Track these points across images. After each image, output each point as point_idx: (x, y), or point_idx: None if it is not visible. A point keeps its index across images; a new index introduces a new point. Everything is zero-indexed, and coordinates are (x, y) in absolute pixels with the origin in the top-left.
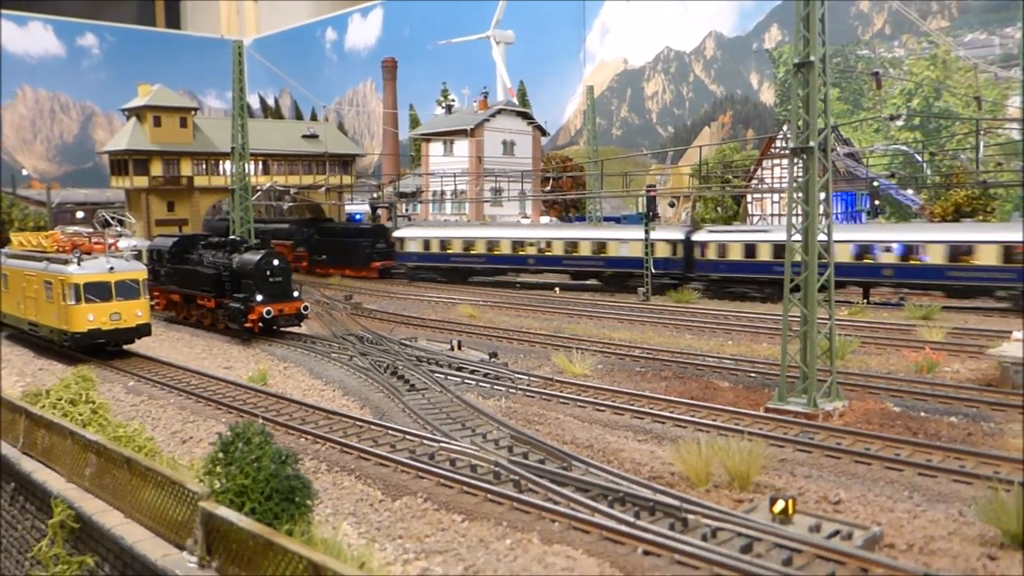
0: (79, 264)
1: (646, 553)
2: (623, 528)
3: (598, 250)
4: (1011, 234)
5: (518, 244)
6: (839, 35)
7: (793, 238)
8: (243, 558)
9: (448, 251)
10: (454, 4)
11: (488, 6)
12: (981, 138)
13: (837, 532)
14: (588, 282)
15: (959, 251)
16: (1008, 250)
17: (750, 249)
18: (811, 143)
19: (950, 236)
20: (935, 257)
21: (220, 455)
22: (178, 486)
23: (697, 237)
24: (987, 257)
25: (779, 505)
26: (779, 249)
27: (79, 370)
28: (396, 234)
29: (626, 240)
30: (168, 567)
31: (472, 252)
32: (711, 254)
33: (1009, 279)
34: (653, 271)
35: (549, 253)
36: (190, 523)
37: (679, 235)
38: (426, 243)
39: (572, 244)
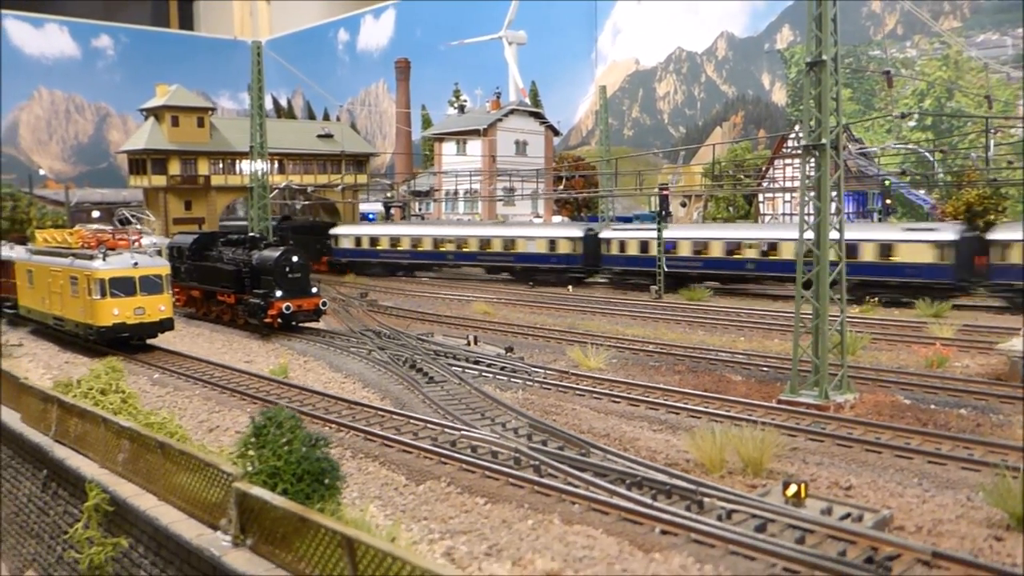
0: (104, 260)
1: (664, 533)
2: (641, 509)
3: (508, 247)
4: (856, 233)
5: (439, 241)
6: (851, 36)
7: (805, 235)
8: (277, 535)
9: (377, 247)
10: (466, 5)
11: (500, 7)
12: (992, 137)
13: (848, 515)
14: (500, 275)
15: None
16: (849, 248)
17: (644, 245)
18: (823, 140)
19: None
20: (789, 253)
21: (252, 439)
22: (212, 468)
23: (603, 235)
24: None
25: (792, 489)
26: (669, 246)
27: (108, 361)
28: (331, 231)
29: (533, 237)
30: (203, 546)
31: (398, 248)
32: (614, 250)
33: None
34: (555, 266)
35: (466, 249)
36: (224, 504)
37: (579, 233)
38: (357, 240)
39: (486, 241)
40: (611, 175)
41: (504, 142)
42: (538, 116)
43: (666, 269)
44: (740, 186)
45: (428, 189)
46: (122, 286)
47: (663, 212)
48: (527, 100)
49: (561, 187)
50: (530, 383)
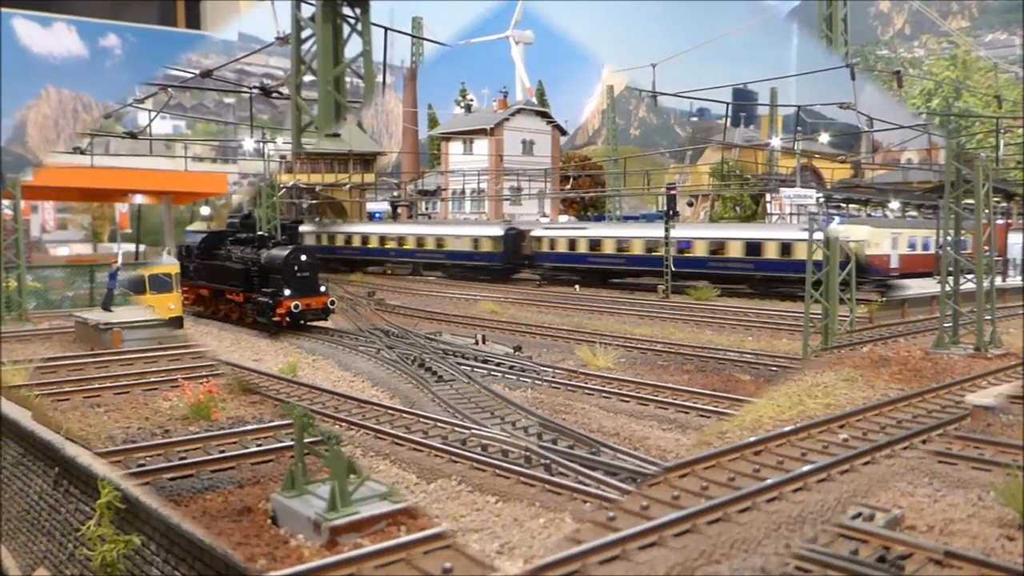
0: None
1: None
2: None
3: (439, 244)
4: (752, 232)
5: (383, 239)
6: (859, 35)
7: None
8: None
9: (334, 244)
10: (472, 5)
11: (506, 7)
12: (1002, 137)
13: (859, 514)
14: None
15: (716, 246)
16: (748, 246)
17: (571, 243)
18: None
19: (710, 234)
20: (700, 250)
21: None
22: None
23: (534, 233)
24: (735, 251)
25: None
26: (593, 243)
27: None
28: (298, 229)
29: (459, 236)
30: (216, 543)
31: (352, 245)
32: (544, 247)
33: (748, 268)
34: (478, 263)
35: (406, 247)
36: None
37: (499, 232)
38: (317, 237)
39: (420, 239)
40: (618, 175)
41: (511, 141)
42: (545, 115)
43: (574, 265)
44: (747, 186)
45: (435, 188)
46: (132, 285)
47: (670, 212)
48: (534, 99)
49: (568, 186)
50: (539, 382)
